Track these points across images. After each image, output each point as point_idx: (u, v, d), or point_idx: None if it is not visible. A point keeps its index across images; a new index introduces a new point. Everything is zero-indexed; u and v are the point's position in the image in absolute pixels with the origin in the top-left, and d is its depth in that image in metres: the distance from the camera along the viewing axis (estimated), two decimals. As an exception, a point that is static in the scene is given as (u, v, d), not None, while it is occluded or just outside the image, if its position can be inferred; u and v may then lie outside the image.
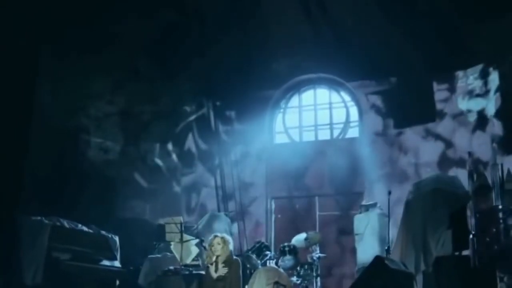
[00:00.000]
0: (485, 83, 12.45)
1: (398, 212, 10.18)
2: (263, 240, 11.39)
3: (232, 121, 14.38)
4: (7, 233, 10.67)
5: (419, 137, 12.93)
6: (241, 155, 14.07)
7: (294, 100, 14.59)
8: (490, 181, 8.97)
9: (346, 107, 14.14)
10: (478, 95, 12.59)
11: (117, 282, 10.13)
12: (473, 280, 8.32)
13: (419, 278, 8.89)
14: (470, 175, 10.37)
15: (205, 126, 14.41)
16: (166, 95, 13.99)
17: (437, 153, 12.67)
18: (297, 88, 14.48)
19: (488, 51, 12.16)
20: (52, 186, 12.01)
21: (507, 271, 8.49)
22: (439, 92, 12.92)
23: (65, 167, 12.75)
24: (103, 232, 10.29)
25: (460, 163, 12.29)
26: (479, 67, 12.57)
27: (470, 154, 11.86)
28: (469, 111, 12.63)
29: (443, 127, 12.76)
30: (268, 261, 10.45)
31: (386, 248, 9.59)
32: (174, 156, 14.11)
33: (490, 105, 12.27)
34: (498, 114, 12.07)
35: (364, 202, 11.71)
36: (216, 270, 8.13)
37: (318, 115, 14.30)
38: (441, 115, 12.84)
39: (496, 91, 12.15)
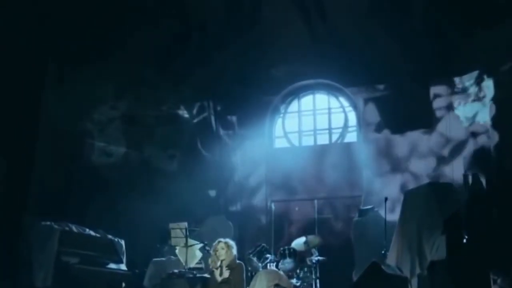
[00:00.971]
0: (480, 90, 12.73)
1: (394, 217, 10.54)
2: (263, 243, 11.65)
3: (233, 126, 14.61)
4: (15, 236, 11.05)
5: (416, 142, 13.17)
6: (241, 159, 14.29)
7: (294, 105, 14.86)
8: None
9: (345, 112, 14.42)
10: (474, 101, 12.87)
11: (123, 285, 10.43)
12: (466, 283, 8.63)
13: (414, 282, 9.22)
14: (465, 181, 10.78)
15: (206, 131, 14.63)
16: (169, 100, 14.29)
17: (434, 159, 12.92)
18: (297, 93, 14.76)
19: (482, 59, 12.45)
20: (58, 190, 12.31)
21: (500, 273, 8.83)
22: (436, 98, 13.17)
23: (70, 171, 13.06)
24: (110, 236, 10.62)
25: (456, 168, 12.55)
26: (475, 73, 12.82)
27: (465, 159, 12.29)
28: (465, 117, 12.91)
29: (439, 132, 13.02)
30: (268, 264, 10.73)
31: (383, 252, 9.92)
32: (176, 160, 14.35)
33: (485, 111, 12.56)
34: (492, 121, 12.37)
35: (361, 207, 12.01)
36: (220, 274, 8.46)
37: (317, 120, 14.58)
38: (438, 121, 13.10)
39: (491, 99, 12.44)
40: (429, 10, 12.76)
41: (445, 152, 12.93)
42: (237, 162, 14.35)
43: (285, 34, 13.73)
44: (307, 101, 14.80)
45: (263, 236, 13.31)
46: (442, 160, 12.90)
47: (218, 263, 8.55)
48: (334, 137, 14.42)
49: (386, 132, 13.52)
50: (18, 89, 12.03)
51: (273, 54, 13.88)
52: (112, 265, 10.39)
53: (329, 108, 14.57)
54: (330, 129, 14.46)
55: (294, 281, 10.54)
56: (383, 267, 8.26)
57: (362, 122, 13.92)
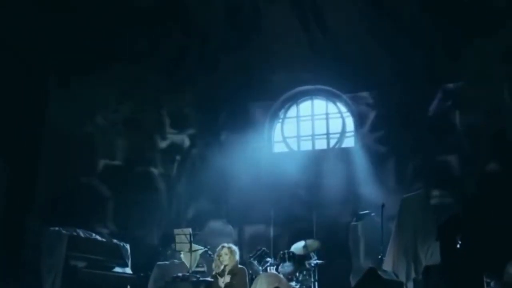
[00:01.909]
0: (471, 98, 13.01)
1: (391, 223, 10.88)
2: (262, 247, 11.88)
3: (233, 130, 14.82)
4: (19, 240, 11.31)
5: (413, 147, 13.38)
6: (241, 163, 14.43)
7: (292, 111, 15.13)
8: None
9: (342, 117, 14.68)
10: (468, 107, 13.16)
11: (128, 288, 10.80)
12: (460, 287, 8.94)
13: (410, 285, 9.58)
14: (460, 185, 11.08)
15: (207, 135, 14.93)
16: (170, 105, 14.57)
17: (430, 164, 13.15)
18: (295, 99, 15.02)
19: (473, 68, 12.74)
20: (62, 195, 12.56)
21: (493, 276, 9.12)
22: (434, 104, 13.41)
23: (74, 176, 13.31)
24: (115, 241, 10.93)
25: (454, 173, 12.84)
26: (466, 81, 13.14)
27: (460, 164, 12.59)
28: (461, 124, 13.18)
29: (437, 138, 13.24)
30: (268, 267, 11.08)
31: (380, 257, 10.27)
32: (176, 164, 14.62)
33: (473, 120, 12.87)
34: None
35: (358, 211, 12.34)
36: (223, 279, 8.78)
37: (315, 125, 14.84)
38: (435, 127, 13.32)
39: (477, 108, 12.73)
40: (421, 24, 12.95)
41: (443, 158, 13.14)
42: (236, 166, 14.50)
43: (285, 42, 14.00)
44: (305, 106, 15.06)
45: (262, 240, 13.53)
46: (437, 166, 13.10)
47: (221, 267, 8.85)
48: (332, 142, 14.68)
49: (383, 138, 13.78)
50: (22, 94, 12.26)
51: (273, 60, 14.15)
52: (118, 269, 10.70)
53: (327, 114, 14.83)
54: (328, 134, 14.74)
55: (293, 284, 10.88)
56: (379, 272, 8.60)
57: (359, 128, 14.19)
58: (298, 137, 14.96)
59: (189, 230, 10.20)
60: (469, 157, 12.60)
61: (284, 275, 10.72)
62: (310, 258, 11.35)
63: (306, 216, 13.79)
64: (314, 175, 14.05)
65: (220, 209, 14.41)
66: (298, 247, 11.41)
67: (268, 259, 11.20)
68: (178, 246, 10.16)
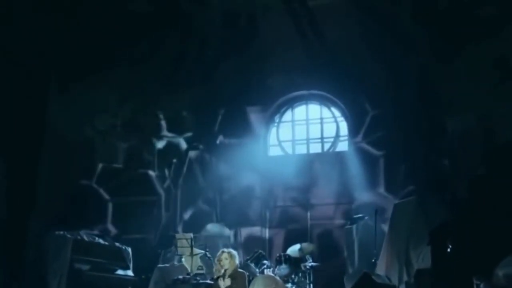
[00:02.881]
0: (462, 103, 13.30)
1: (384, 226, 11.24)
2: (259, 249, 12.17)
3: (230, 134, 15.01)
4: (22, 243, 11.55)
5: (405, 151, 13.61)
6: (237, 166, 14.69)
7: (287, 115, 15.37)
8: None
9: (336, 122, 14.95)
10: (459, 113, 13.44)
11: (130, 290, 11.12)
12: (450, 288, 9.32)
13: (402, 288, 9.97)
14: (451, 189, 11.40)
15: (204, 139, 15.12)
16: (168, 108, 14.83)
17: (422, 168, 13.41)
18: (290, 103, 15.27)
19: (464, 74, 13.00)
20: (63, 198, 12.82)
21: (482, 278, 9.46)
22: (426, 109, 13.63)
23: (74, 178, 13.56)
24: (117, 244, 11.24)
25: (445, 177, 13.10)
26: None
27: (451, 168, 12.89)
28: (452, 129, 13.35)
29: (429, 143, 13.51)
30: (265, 270, 11.36)
31: (373, 261, 10.64)
32: (174, 167, 14.83)
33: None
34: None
35: (352, 215, 12.69)
36: (224, 282, 9.07)
37: (310, 129, 15.12)
38: (427, 131, 13.58)
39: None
40: (414, 32, 13.29)
41: (435, 164, 13.43)
42: (233, 169, 14.76)
43: (281, 48, 14.35)
44: (300, 111, 15.31)
45: (257, 242, 13.86)
46: (432, 171, 13.38)
47: (222, 271, 9.16)
48: (326, 146, 14.96)
49: (376, 142, 14.06)
50: (23, 98, 12.49)
51: (269, 66, 14.51)
52: (120, 271, 11.05)
53: (322, 118, 15.08)
54: (322, 138, 15.00)
55: (289, 285, 11.26)
56: (373, 277, 8.97)
57: (353, 132, 14.47)
58: (293, 141, 15.22)
59: (190, 235, 10.51)
60: (460, 161, 12.86)
61: (280, 277, 11.06)
62: (306, 261, 11.66)
63: (300, 218, 14.10)
64: (308, 178, 14.34)
65: (217, 211, 14.61)
66: (294, 250, 11.74)
67: (265, 261, 11.50)
68: (179, 250, 10.47)
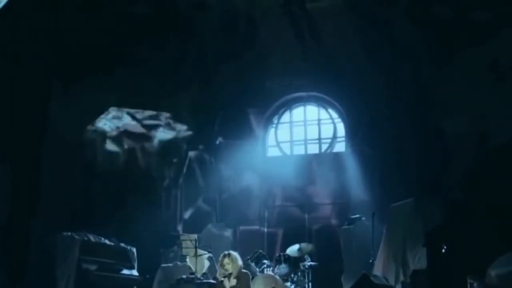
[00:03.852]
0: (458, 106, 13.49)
1: (381, 226, 11.54)
2: (259, 249, 12.47)
3: (229, 135, 15.29)
4: (24, 244, 11.73)
5: (401, 153, 13.84)
6: (236, 167, 15.00)
7: (286, 116, 15.69)
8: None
9: (334, 123, 15.27)
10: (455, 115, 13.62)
11: (135, 289, 11.39)
12: (445, 288, 9.60)
13: (398, 288, 10.29)
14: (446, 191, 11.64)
15: (203, 139, 15.36)
16: (168, 110, 15.01)
17: (417, 170, 13.62)
18: (289, 105, 15.60)
19: (459, 77, 13.21)
20: (65, 198, 12.94)
21: (476, 277, 9.74)
22: (422, 112, 13.81)
23: (76, 179, 13.73)
24: (122, 244, 11.50)
25: (440, 179, 13.27)
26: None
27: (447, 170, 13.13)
28: (448, 131, 13.49)
29: (425, 145, 13.69)
30: (265, 269, 11.68)
31: (370, 261, 10.94)
32: (174, 167, 15.03)
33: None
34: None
35: (350, 216, 12.99)
36: (229, 282, 9.31)
37: (307, 130, 15.42)
38: (423, 134, 13.75)
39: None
40: (410, 36, 13.52)
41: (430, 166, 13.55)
42: (232, 170, 15.07)
43: (280, 51, 14.63)
44: (298, 112, 15.62)
45: (256, 241, 14.14)
46: (427, 173, 13.54)
47: (226, 273, 9.40)
48: (324, 147, 15.26)
49: (372, 143, 14.31)
50: (24, 100, 12.59)
51: (267, 68, 14.77)
52: (126, 271, 11.28)
53: (319, 119, 15.40)
54: (320, 139, 15.31)
55: (288, 284, 11.55)
56: (371, 278, 9.30)
57: (350, 133, 14.79)
58: (291, 142, 15.52)
59: (195, 236, 10.78)
60: (455, 163, 13.07)
61: (280, 276, 11.37)
62: (304, 260, 11.93)
63: (298, 218, 14.41)
64: (306, 178, 14.65)
65: (216, 211, 14.90)
66: (293, 250, 12.00)
67: (265, 261, 11.79)
68: (184, 251, 10.74)
